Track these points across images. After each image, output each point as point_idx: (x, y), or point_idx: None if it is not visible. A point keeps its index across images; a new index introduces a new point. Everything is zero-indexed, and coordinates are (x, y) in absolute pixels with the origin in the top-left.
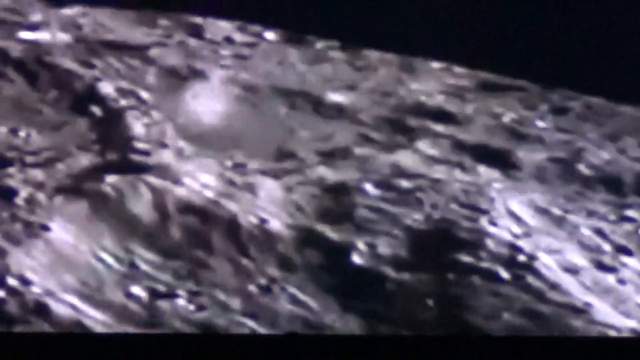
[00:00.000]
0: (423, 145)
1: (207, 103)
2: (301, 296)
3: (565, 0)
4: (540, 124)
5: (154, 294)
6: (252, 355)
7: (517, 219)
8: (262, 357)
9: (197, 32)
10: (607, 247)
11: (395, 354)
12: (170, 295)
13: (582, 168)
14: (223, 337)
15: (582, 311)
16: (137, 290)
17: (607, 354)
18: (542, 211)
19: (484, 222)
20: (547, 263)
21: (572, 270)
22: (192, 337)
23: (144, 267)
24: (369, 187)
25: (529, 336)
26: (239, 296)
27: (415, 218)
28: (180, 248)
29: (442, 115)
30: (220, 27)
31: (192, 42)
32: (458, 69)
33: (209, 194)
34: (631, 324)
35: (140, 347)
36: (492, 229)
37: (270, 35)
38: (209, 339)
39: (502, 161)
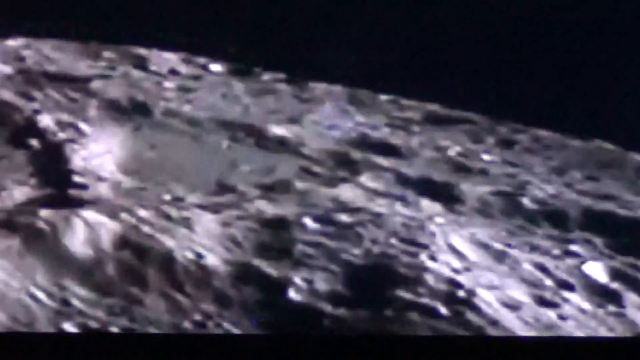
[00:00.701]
0: (366, 178)
1: (148, 136)
2: (236, 332)
3: (519, 31)
4: (486, 157)
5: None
6: (252, 355)
7: (458, 254)
8: (262, 357)
9: (141, 64)
10: (549, 282)
11: (394, 353)
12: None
13: (527, 202)
14: (223, 337)
15: None
16: (68, 327)
17: (605, 355)
18: (484, 246)
19: (424, 257)
20: (486, 299)
21: (512, 306)
22: (192, 337)
23: (76, 303)
24: (308, 222)
25: (526, 337)
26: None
27: (354, 253)
28: (115, 284)
29: (386, 149)
30: (165, 59)
31: (136, 74)
32: (405, 102)
33: (145, 228)
34: None
35: (140, 347)
36: (431, 264)
37: (215, 67)
38: (209, 338)
39: (445, 195)
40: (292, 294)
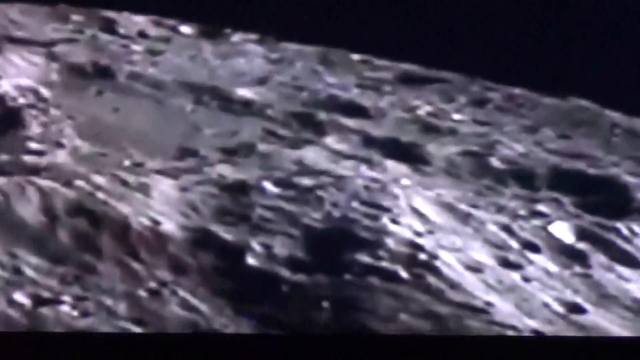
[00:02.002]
0: (331, 140)
1: (111, 100)
2: (192, 300)
3: None
4: (457, 116)
5: (38, 301)
6: (252, 355)
7: (421, 216)
8: (262, 357)
9: (110, 27)
10: (513, 243)
11: (394, 353)
12: (54, 301)
13: (495, 162)
14: (223, 336)
15: (481, 311)
16: (19, 297)
17: (603, 353)
18: (448, 207)
19: (385, 220)
20: (448, 261)
21: (475, 268)
22: (192, 336)
23: (28, 272)
24: (268, 186)
25: (522, 336)
26: (126, 301)
27: (314, 217)
28: (68, 252)
29: (354, 109)
30: (134, 22)
31: (104, 37)
32: (379, 61)
33: (101, 195)
34: (533, 324)
35: (140, 346)
36: (393, 227)
37: (185, 29)
38: (209, 338)
39: (411, 156)
40: (250, 260)
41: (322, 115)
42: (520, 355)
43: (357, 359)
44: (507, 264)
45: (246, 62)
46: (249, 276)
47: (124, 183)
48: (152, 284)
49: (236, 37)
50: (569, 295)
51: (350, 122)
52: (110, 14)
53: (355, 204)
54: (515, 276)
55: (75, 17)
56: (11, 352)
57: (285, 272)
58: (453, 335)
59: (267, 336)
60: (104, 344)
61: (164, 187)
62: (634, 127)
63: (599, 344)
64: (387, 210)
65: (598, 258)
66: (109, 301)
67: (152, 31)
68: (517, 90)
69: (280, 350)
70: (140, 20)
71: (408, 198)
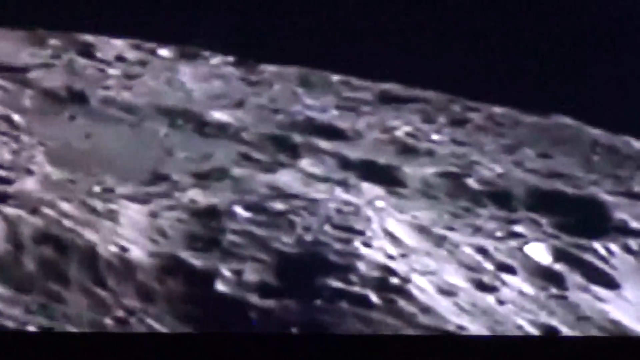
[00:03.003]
0: (306, 163)
1: (84, 125)
2: (160, 328)
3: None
4: (436, 137)
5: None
6: (252, 355)
7: (394, 239)
8: (262, 357)
9: (87, 51)
10: (488, 265)
11: (393, 353)
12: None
13: (472, 183)
14: (224, 336)
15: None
16: None
17: (601, 354)
18: (423, 230)
19: (357, 243)
20: (421, 285)
21: (448, 291)
22: (191, 336)
23: None
24: (240, 210)
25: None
26: (93, 330)
27: (285, 242)
28: (34, 281)
29: (331, 131)
30: (112, 46)
31: (81, 61)
32: (358, 82)
33: (68, 222)
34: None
35: (139, 346)
36: (365, 251)
37: (164, 52)
38: (209, 338)
39: (387, 178)
40: (219, 286)
41: (298, 138)
42: (521, 355)
43: (357, 359)
44: (481, 286)
45: (224, 84)
46: (218, 303)
47: (92, 209)
48: (119, 313)
49: (215, 59)
50: (543, 318)
51: (326, 145)
52: (89, 37)
53: (327, 228)
54: (489, 299)
55: (53, 42)
56: (11, 352)
57: (254, 298)
58: (453, 335)
59: (267, 336)
60: (104, 343)
61: (133, 213)
62: (615, 145)
63: (599, 344)
64: (359, 233)
65: (574, 279)
66: (75, 330)
67: (131, 54)
68: (498, 109)
69: (280, 350)
70: (118, 44)
71: (382, 221)
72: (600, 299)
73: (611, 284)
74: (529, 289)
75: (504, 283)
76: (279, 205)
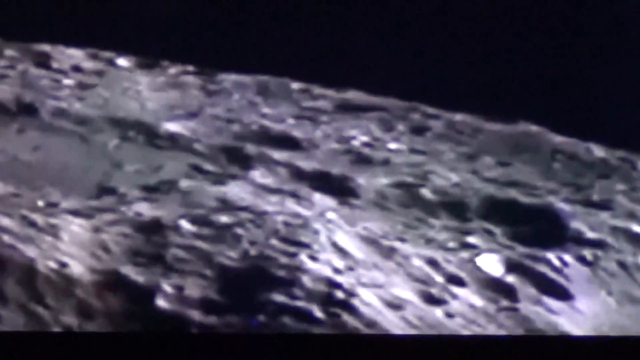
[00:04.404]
0: (258, 174)
1: (32, 138)
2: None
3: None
4: (393, 146)
5: None
6: (252, 355)
7: (342, 252)
8: (262, 357)
9: (43, 61)
10: (438, 278)
11: (393, 353)
12: None
13: (426, 193)
14: (223, 336)
15: None
16: None
17: (601, 354)
18: (372, 242)
19: (303, 257)
20: (367, 299)
21: (395, 305)
22: (191, 336)
23: None
24: (185, 224)
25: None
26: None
27: (230, 256)
28: None
29: (286, 142)
30: (69, 56)
31: (36, 72)
32: (319, 90)
33: (6, 238)
34: None
35: (139, 346)
36: (311, 265)
37: (122, 61)
38: (209, 338)
39: (340, 189)
40: (160, 302)
41: (251, 149)
42: (521, 355)
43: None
44: (429, 299)
45: (180, 94)
46: (158, 319)
47: (33, 225)
48: (58, 330)
49: (174, 69)
50: (492, 331)
51: (279, 155)
52: (45, 47)
53: (273, 241)
54: (437, 312)
55: (9, 52)
56: (11, 352)
57: (196, 314)
58: (453, 335)
59: (267, 336)
60: (104, 343)
61: (76, 227)
62: (577, 152)
63: (599, 343)
64: (306, 246)
65: (526, 291)
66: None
67: (88, 64)
68: (459, 117)
69: (280, 350)
70: (76, 54)
71: (330, 233)
72: (552, 311)
73: (564, 295)
74: (478, 302)
75: (453, 296)
76: (225, 219)
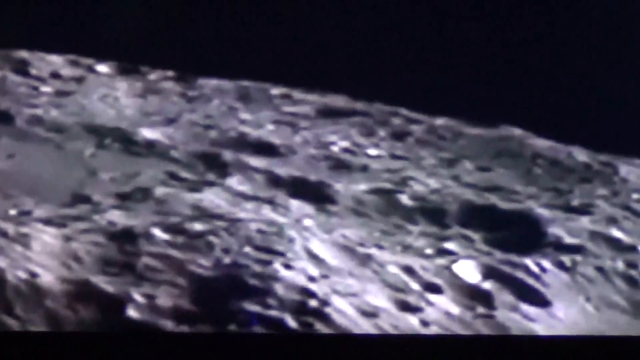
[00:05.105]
0: (234, 181)
1: (7, 146)
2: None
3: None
4: (373, 151)
5: None
6: (252, 355)
7: (317, 260)
8: (262, 357)
9: (22, 68)
10: (414, 285)
11: (393, 354)
12: None
13: (405, 199)
14: (223, 336)
15: None
16: None
17: (601, 353)
18: (348, 249)
19: (277, 265)
20: (341, 307)
21: (369, 313)
22: (192, 336)
23: None
24: (157, 232)
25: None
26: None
27: (202, 264)
28: None
29: (263, 148)
30: (48, 62)
31: (14, 79)
32: (299, 95)
33: None
34: None
35: (140, 346)
36: (285, 273)
37: (102, 68)
38: (209, 338)
39: (318, 196)
40: (131, 312)
41: (228, 155)
42: (521, 355)
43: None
44: (405, 307)
45: (159, 100)
46: (129, 329)
47: (4, 234)
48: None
49: (154, 74)
50: None
51: (256, 162)
52: (24, 54)
53: (247, 249)
54: (412, 320)
55: None
56: (10, 352)
57: (167, 324)
58: (453, 335)
59: (267, 336)
60: (104, 343)
61: (48, 237)
62: (557, 157)
63: (598, 343)
64: (280, 254)
65: (503, 297)
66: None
67: (67, 71)
68: (440, 121)
69: (280, 350)
70: (55, 60)
71: (305, 241)
72: (528, 318)
73: (541, 301)
74: (454, 309)
75: (429, 303)
76: (199, 227)
